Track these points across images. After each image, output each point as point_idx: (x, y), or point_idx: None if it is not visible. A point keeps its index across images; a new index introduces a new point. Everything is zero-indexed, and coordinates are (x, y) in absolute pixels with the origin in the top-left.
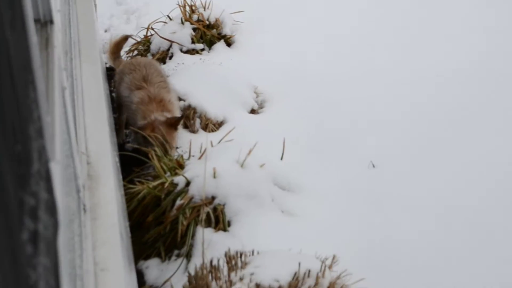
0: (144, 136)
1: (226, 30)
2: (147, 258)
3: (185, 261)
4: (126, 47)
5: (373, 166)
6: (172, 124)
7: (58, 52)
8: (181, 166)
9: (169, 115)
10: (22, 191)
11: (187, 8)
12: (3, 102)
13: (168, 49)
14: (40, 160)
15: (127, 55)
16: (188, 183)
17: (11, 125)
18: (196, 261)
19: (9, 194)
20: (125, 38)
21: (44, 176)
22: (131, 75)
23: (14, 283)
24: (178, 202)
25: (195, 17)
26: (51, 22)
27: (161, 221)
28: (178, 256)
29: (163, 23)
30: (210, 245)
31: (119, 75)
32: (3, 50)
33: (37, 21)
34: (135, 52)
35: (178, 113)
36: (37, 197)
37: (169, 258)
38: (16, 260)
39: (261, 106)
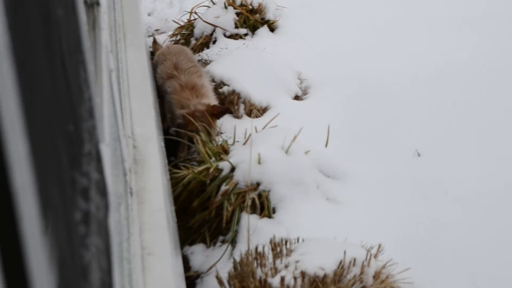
0: (181, 123)
1: (269, 15)
2: (192, 243)
3: (230, 247)
4: (169, 31)
5: (419, 154)
6: (215, 114)
7: (105, 34)
8: (226, 151)
9: (206, 102)
10: (75, 171)
11: None
12: (56, 81)
13: (212, 34)
14: (91, 141)
15: (170, 39)
16: (233, 169)
17: (64, 104)
18: (241, 247)
19: (64, 173)
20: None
21: (95, 156)
22: (162, 65)
23: (69, 263)
24: (223, 187)
25: (238, 1)
26: (98, 3)
27: (206, 206)
28: (223, 242)
29: (206, 7)
30: (255, 231)
31: (154, 65)
32: (55, 29)
33: (84, 2)
34: (178, 36)
35: (212, 97)
36: (89, 178)
37: (214, 244)
38: (72, 240)
39: (305, 93)
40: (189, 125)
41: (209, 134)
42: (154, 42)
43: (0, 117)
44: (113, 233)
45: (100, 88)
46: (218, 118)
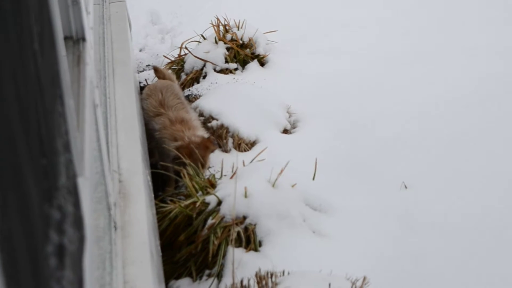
0: (176, 156)
1: (260, 50)
2: (178, 277)
3: (216, 281)
4: (160, 67)
5: (406, 187)
6: (208, 147)
7: (90, 69)
8: (213, 185)
9: (199, 134)
10: (48, 204)
11: (221, 28)
12: (29, 115)
13: (202, 69)
14: (67, 175)
15: None
16: (219, 203)
17: (37, 138)
18: (227, 281)
19: (33, 207)
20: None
21: (71, 190)
22: (147, 101)
23: None
24: (210, 221)
25: (228, 36)
26: (83, 39)
27: (192, 240)
28: (209, 276)
29: (197, 43)
30: (241, 265)
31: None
32: (31, 62)
33: (69, 38)
34: (169, 71)
35: (203, 130)
36: (62, 211)
37: (200, 278)
38: (39, 273)
39: (293, 126)
40: (185, 158)
41: (202, 166)
42: (156, 70)
43: None
44: (88, 267)
45: (82, 122)
46: (212, 151)
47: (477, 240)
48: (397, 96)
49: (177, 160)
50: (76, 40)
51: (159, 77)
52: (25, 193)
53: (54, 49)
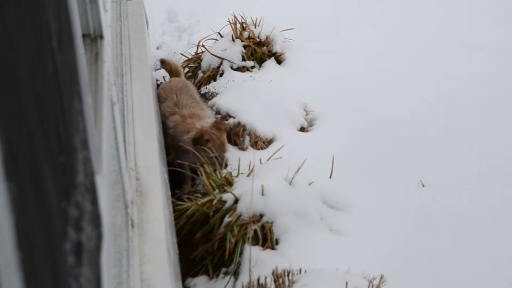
0: (202, 135)
1: (277, 48)
2: (195, 275)
3: (232, 279)
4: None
5: (423, 185)
6: (220, 128)
7: (108, 66)
8: (230, 183)
9: (209, 121)
10: (66, 202)
11: (238, 26)
12: (48, 112)
13: (219, 66)
14: (85, 172)
15: None
16: (236, 201)
17: (55, 135)
18: (244, 279)
19: (51, 204)
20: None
21: (89, 188)
22: (164, 104)
23: None
24: (226, 219)
25: (245, 34)
26: (101, 37)
27: (209, 238)
28: (225, 274)
29: (214, 40)
30: (257, 263)
31: (158, 98)
32: (49, 59)
33: (87, 35)
34: (186, 69)
35: (211, 119)
36: (80, 208)
37: (217, 275)
38: (57, 270)
39: (310, 124)
40: (204, 136)
41: (222, 148)
42: (163, 62)
43: None
44: (106, 265)
45: (100, 120)
46: (226, 130)
47: (494, 240)
48: (412, 94)
49: (198, 142)
50: (93, 37)
51: (166, 69)
52: (43, 190)
53: (72, 46)
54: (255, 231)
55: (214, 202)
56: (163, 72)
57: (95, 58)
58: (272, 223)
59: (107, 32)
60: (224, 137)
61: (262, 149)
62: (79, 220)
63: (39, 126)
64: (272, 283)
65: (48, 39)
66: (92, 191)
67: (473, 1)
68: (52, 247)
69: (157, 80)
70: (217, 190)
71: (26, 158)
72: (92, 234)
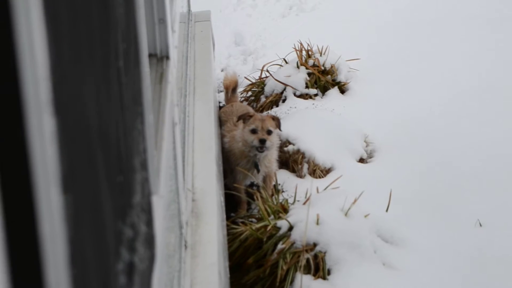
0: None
1: (341, 77)
2: None
3: None
4: (240, 87)
5: (480, 225)
6: (272, 118)
7: (172, 87)
8: (285, 210)
9: None
10: (121, 222)
11: (304, 53)
12: (110, 131)
13: (282, 92)
14: (142, 193)
15: (241, 95)
16: (291, 228)
17: (115, 155)
18: None
19: (106, 224)
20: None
21: (145, 208)
22: (224, 126)
23: None
24: (280, 246)
25: (310, 62)
26: (167, 57)
27: (261, 264)
28: None
29: (279, 66)
30: None
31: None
32: (115, 79)
33: (153, 55)
34: (249, 93)
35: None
36: (135, 229)
37: None
38: None
39: (370, 156)
40: (249, 112)
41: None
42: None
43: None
44: (156, 286)
45: (160, 140)
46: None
47: None
48: (477, 133)
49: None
50: (160, 58)
51: (225, 85)
52: (100, 208)
53: (139, 67)
54: (308, 260)
55: (269, 228)
56: None
57: (160, 78)
58: (325, 252)
59: (173, 53)
60: (270, 123)
61: (320, 177)
62: (133, 241)
63: (101, 144)
64: None
65: (115, 59)
66: (148, 212)
67: None
68: (105, 266)
69: (219, 102)
70: (272, 216)
71: (85, 174)
72: (145, 255)
